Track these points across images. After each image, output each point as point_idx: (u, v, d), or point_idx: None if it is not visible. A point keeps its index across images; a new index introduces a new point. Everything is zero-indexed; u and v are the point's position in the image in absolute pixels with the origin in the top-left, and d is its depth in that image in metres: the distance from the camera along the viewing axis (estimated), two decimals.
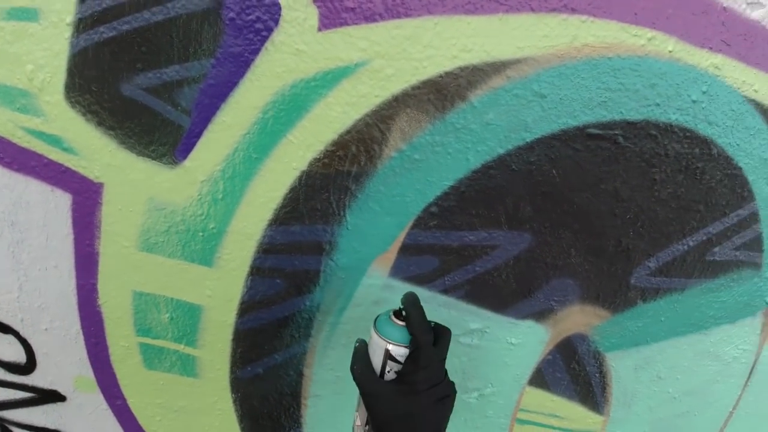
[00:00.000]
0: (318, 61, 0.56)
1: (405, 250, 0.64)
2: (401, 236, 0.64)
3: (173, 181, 0.61)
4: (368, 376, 0.51)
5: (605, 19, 0.56)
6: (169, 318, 0.70)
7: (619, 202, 0.65)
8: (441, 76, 0.57)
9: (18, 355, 0.72)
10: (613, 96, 0.59)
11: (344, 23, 0.55)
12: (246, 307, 0.68)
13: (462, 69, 0.57)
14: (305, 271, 0.66)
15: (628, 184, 0.64)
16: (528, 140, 0.60)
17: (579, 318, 0.71)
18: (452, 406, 0.52)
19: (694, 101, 0.62)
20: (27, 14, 0.54)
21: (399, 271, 0.65)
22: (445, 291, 0.67)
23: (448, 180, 0.61)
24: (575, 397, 0.78)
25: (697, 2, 0.57)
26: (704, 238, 0.70)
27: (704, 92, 0.62)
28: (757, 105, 0.64)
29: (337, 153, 0.60)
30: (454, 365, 0.72)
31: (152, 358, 0.74)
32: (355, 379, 0.52)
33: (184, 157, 0.60)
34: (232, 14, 0.54)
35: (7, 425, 0.78)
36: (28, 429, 0.78)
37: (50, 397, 0.76)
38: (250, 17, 0.55)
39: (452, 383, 0.53)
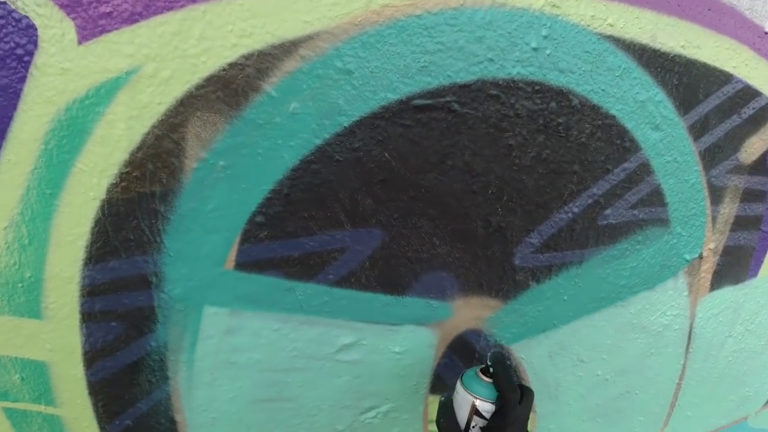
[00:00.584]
0: (86, 77, 0.49)
1: (241, 268, 0.57)
2: (232, 255, 0.56)
3: None
4: (454, 428, 0.52)
5: None
6: (20, 378, 0.63)
7: (475, 177, 0.56)
8: (225, 70, 0.49)
9: None
10: (434, 58, 0.51)
11: (104, 31, 0.48)
12: (91, 357, 0.61)
13: (246, 57, 0.49)
14: (138, 309, 0.59)
15: (480, 156, 0.56)
16: (346, 124, 0.52)
17: (466, 312, 0.63)
18: None
19: (535, 49, 0.53)
20: None
21: (242, 293, 0.58)
22: (301, 308, 0.59)
23: (265, 184, 0.53)
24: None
25: None
26: (590, 201, 0.61)
27: (545, 37, 0.53)
28: (617, 41, 0.56)
29: (134, 174, 0.52)
30: (337, 386, 0.64)
31: (20, 422, 0.67)
32: (440, 431, 0.54)
33: None
34: None
35: None
36: None
37: None
38: (8, 44, 0.48)
39: None
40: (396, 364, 0.64)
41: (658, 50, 0.58)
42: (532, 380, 0.70)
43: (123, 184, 0.53)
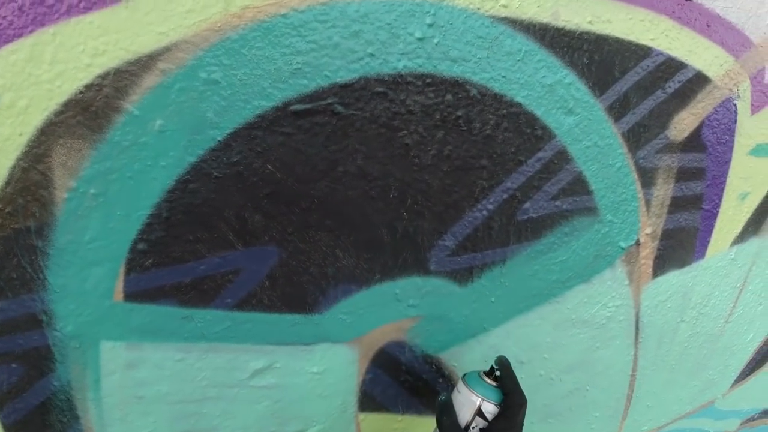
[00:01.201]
0: None
1: (132, 299, 0.53)
2: (119, 286, 0.53)
3: None
4: (456, 428, 0.53)
5: None
6: None
7: (372, 182, 0.53)
8: (81, 92, 0.45)
9: None
10: (308, 59, 0.47)
11: None
12: (0, 401, 0.58)
13: (102, 77, 0.45)
14: (35, 349, 0.55)
15: (374, 159, 0.52)
16: (219, 138, 0.48)
17: (385, 325, 0.60)
18: None
19: (420, 39, 0.49)
20: None
21: (137, 325, 0.54)
22: (203, 336, 0.56)
23: (142, 209, 0.50)
24: (425, 409, 0.66)
25: None
26: (505, 196, 0.58)
27: (431, 25, 0.49)
28: (514, 22, 0.52)
29: (6, 210, 0.49)
30: (258, 413, 0.60)
31: None
32: (440, 430, 0.53)
33: None
34: None
35: None
36: None
37: None
38: None
39: None
40: (317, 384, 0.60)
41: (562, 29, 0.54)
42: None
43: None
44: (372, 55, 0.49)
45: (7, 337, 0.55)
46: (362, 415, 0.64)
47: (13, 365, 0.56)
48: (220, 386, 0.58)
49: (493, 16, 0.51)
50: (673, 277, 0.71)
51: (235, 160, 0.49)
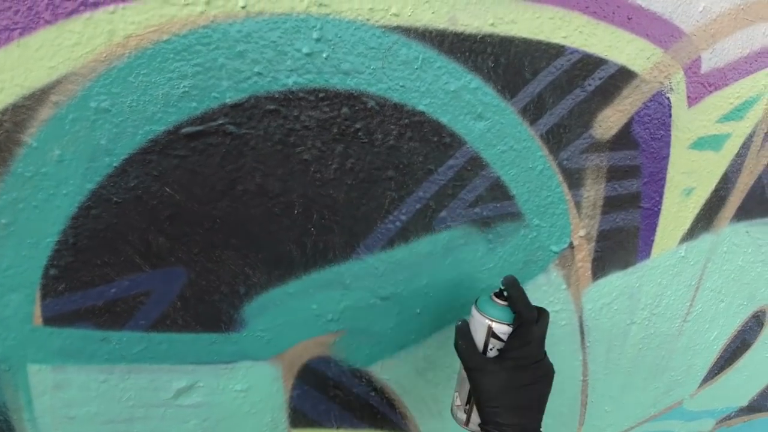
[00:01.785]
0: None
1: (51, 323, 0.55)
2: (37, 311, 0.54)
3: None
4: (473, 351, 0.53)
5: (139, 1, 0.45)
6: None
7: (274, 199, 0.53)
8: None
9: None
10: (195, 82, 0.48)
11: None
12: None
13: (1, 113, 0.46)
14: None
15: (273, 176, 0.52)
16: (116, 164, 0.49)
17: (306, 341, 0.59)
18: (551, 383, 0.54)
19: (308, 54, 0.49)
20: None
21: (58, 348, 0.56)
22: (122, 356, 0.56)
23: (50, 236, 0.51)
24: (361, 423, 0.66)
25: None
26: (418, 206, 0.57)
27: (318, 39, 0.49)
28: (407, 31, 0.51)
29: None
30: (189, 430, 0.61)
31: None
32: (459, 355, 0.54)
33: None
34: None
35: None
36: None
37: None
38: None
39: (551, 364, 0.54)
40: (243, 402, 0.60)
41: (462, 33, 0.53)
42: (405, 400, 0.66)
43: None
44: (260, 73, 0.49)
45: None
46: (294, 431, 0.64)
47: None
48: (147, 406, 0.59)
49: (385, 26, 0.50)
50: (617, 279, 0.68)
51: (132, 184, 0.50)
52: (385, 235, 0.57)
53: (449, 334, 0.64)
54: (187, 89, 0.48)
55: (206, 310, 0.55)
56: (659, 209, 0.68)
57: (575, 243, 0.64)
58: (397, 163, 0.55)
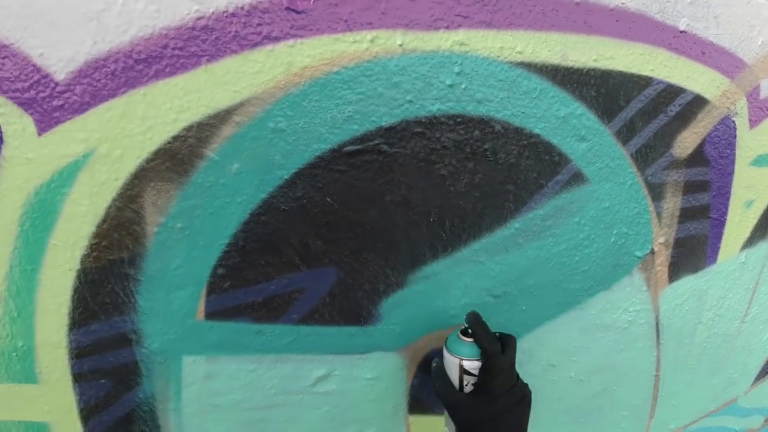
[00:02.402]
0: (48, 164, 0.55)
1: (213, 317, 0.61)
2: (201, 306, 0.61)
3: None
4: (449, 390, 0.56)
5: (314, 36, 0.54)
6: None
7: (414, 209, 0.61)
8: (169, 142, 0.55)
9: None
10: (357, 108, 0.56)
11: (58, 122, 0.54)
12: (87, 414, 0.66)
13: (187, 129, 0.54)
14: (124, 366, 0.63)
15: (415, 189, 0.60)
16: (286, 177, 0.57)
17: (430, 333, 0.67)
18: (530, 404, 0.57)
19: (450, 86, 0.58)
20: None
21: (216, 340, 0.62)
22: (272, 347, 0.63)
23: (222, 239, 0.58)
24: None
25: None
26: (530, 215, 0.65)
27: (458, 73, 0.58)
28: (529, 65, 0.60)
29: (103, 244, 0.58)
30: (319, 417, 0.68)
31: None
32: (437, 395, 0.57)
33: None
34: None
35: None
36: None
37: None
38: None
39: (526, 384, 0.57)
40: (371, 389, 0.67)
41: (571, 68, 0.62)
42: None
43: (94, 254, 0.58)
44: (410, 101, 0.57)
45: (98, 355, 0.63)
46: (412, 417, 0.70)
47: (102, 381, 0.64)
48: (287, 393, 0.66)
49: (511, 62, 0.59)
50: (688, 282, 0.77)
51: (299, 194, 0.58)
52: (502, 242, 0.65)
53: (546, 330, 0.71)
54: (351, 114, 0.56)
55: (349, 306, 0.63)
56: (725, 219, 0.77)
57: (655, 249, 0.73)
58: (515, 179, 0.63)
